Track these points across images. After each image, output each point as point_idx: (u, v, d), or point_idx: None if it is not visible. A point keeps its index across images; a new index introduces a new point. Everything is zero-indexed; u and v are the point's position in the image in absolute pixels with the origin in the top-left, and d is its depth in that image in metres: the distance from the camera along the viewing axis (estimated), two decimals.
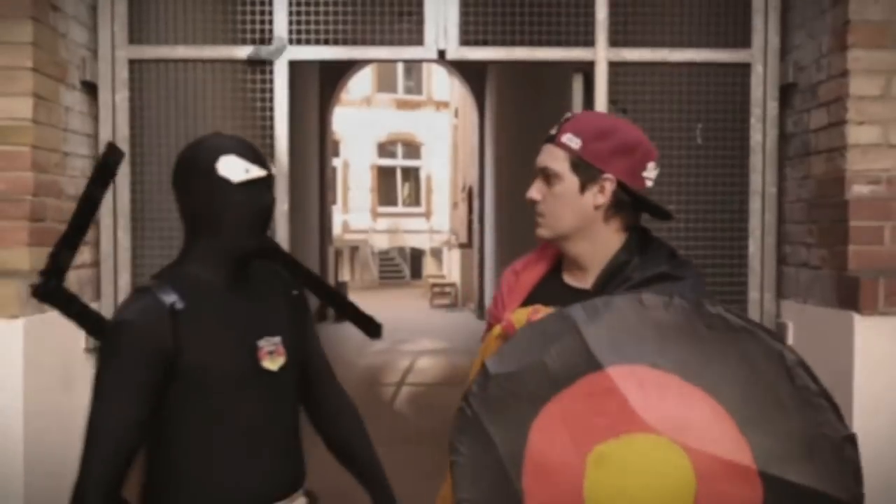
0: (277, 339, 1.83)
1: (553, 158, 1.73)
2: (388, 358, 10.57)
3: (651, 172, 1.74)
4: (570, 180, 1.71)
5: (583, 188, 1.71)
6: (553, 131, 1.76)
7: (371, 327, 2.13)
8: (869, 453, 2.73)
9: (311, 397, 2.03)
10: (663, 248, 1.78)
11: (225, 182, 1.72)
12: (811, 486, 1.42)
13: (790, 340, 3.22)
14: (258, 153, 1.80)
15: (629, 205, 1.73)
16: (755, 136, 3.38)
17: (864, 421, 2.76)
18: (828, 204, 3.00)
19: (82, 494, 1.67)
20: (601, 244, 1.74)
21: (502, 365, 1.55)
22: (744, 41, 3.38)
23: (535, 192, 1.76)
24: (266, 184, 1.78)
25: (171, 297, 1.69)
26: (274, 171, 1.82)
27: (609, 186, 1.70)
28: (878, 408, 2.77)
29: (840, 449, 1.42)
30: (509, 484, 1.54)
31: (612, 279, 1.71)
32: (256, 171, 1.75)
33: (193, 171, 1.75)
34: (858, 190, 2.87)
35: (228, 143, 1.77)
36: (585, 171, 1.70)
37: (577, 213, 1.72)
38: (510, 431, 1.54)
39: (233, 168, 1.73)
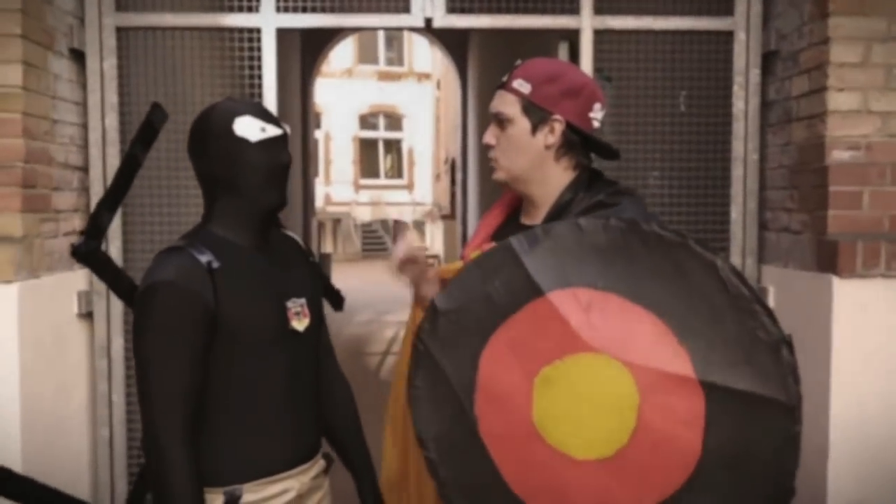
0: (303, 300, 1.85)
1: (505, 103, 1.84)
2: (372, 328, 10.62)
3: (597, 113, 1.85)
4: (522, 123, 1.82)
5: (534, 130, 1.82)
6: (504, 78, 1.86)
7: (336, 300, 2.16)
8: (847, 411, 2.83)
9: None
10: (608, 183, 1.87)
11: (243, 142, 1.74)
12: (751, 390, 1.48)
13: (771, 304, 3.29)
14: (271, 113, 1.82)
15: (578, 144, 1.84)
16: (737, 104, 3.42)
17: (842, 380, 2.84)
18: (808, 170, 3.06)
19: (162, 448, 1.64)
20: (552, 182, 1.85)
21: (450, 301, 1.63)
22: (727, 9, 3.41)
23: (490, 136, 1.88)
24: (282, 141, 1.80)
25: (206, 256, 1.70)
26: (288, 129, 1.83)
27: (558, 127, 1.81)
28: (856, 367, 2.85)
29: (776, 351, 1.48)
30: (464, 413, 1.61)
31: (560, 215, 1.80)
32: (272, 130, 1.78)
33: (210, 134, 1.76)
34: (838, 155, 2.93)
35: (242, 105, 1.79)
36: (536, 113, 1.81)
37: (530, 154, 1.83)
38: (461, 363, 1.61)
39: (249, 128, 1.75)
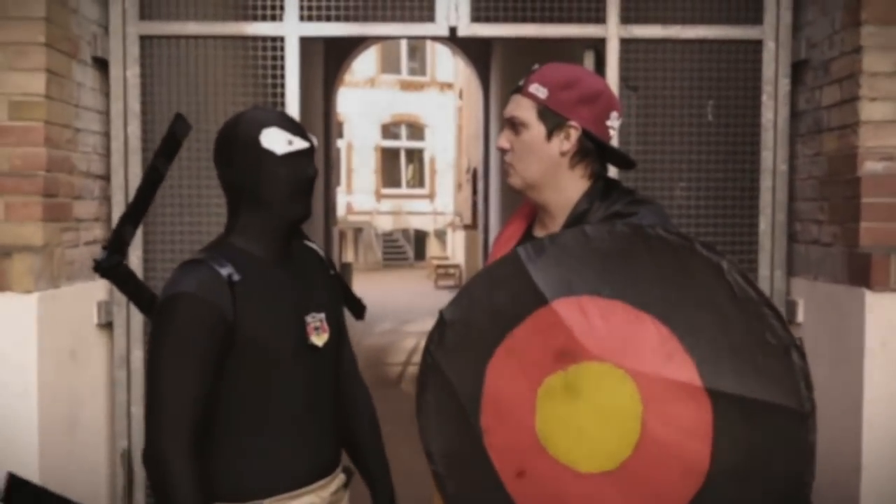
0: (322, 315, 1.83)
1: (520, 108, 1.80)
2: (393, 338, 10.60)
3: (614, 122, 1.82)
4: (537, 128, 1.78)
5: (549, 135, 1.78)
6: (521, 82, 1.82)
7: (357, 308, 2.13)
8: (880, 427, 2.76)
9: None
10: (624, 191, 1.83)
11: (269, 154, 1.72)
12: (760, 397, 1.42)
13: (800, 317, 3.22)
14: (298, 125, 1.80)
15: (594, 152, 1.81)
16: (766, 114, 3.36)
17: (875, 397, 2.77)
18: (840, 181, 2.99)
19: (166, 458, 1.61)
20: (567, 190, 1.81)
21: (456, 312, 1.62)
22: (756, 18, 3.36)
23: (504, 140, 1.84)
24: (308, 155, 1.78)
25: (226, 269, 1.68)
26: (315, 142, 1.81)
27: (574, 133, 1.77)
28: (890, 382, 2.77)
29: (786, 356, 1.41)
30: (470, 426, 1.58)
31: (576, 226, 1.75)
32: (299, 143, 1.75)
33: (236, 144, 1.74)
34: (871, 166, 2.86)
35: (269, 115, 1.77)
36: (552, 119, 1.78)
37: (544, 160, 1.79)
38: (468, 374, 1.59)
39: (276, 140, 1.73)
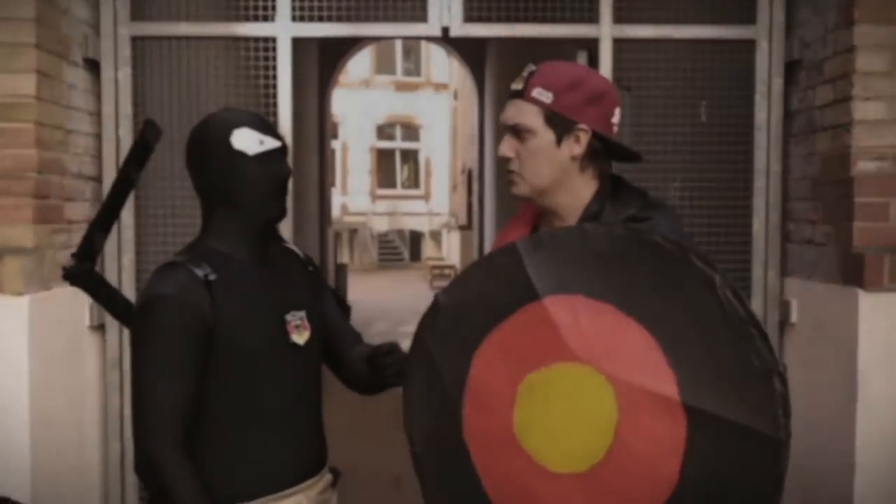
0: (302, 313, 1.82)
1: (525, 114, 1.72)
2: (388, 339, 10.57)
3: (616, 118, 1.77)
4: (545, 134, 1.71)
5: (559, 141, 1.72)
6: (519, 86, 1.74)
7: (342, 310, 2.11)
8: (874, 427, 2.75)
9: (345, 363, 2.00)
10: (635, 192, 1.79)
11: (241, 155, 1.72)
12: (736, 420, 1.39)
13: (794, 317, 3.22)
14: (269, 124, 1.79)
15: (602, 152, 1.75)
16: (760, 114, 3.36)
17: (869, 396, 2.77)
18: (833, 180, 2.99)
19: (160, 461, 1.60)
20: (577, 193, 1.76)
21: (451, 297, 1.62)
22: (749, 17, 3.35)
23: (508, 149, 1.75)
24: (281, 154, 1.77)
25: (203, 270, 1.68)
26: (286, 141, 1.80)
27: (584, 137, 1.72)
28: (883, 383, 2.77)
29: (768, 381, 1.39)
30: (452, 412, 1.59)
31: None
32: (271, 143, 1.75)
33: (207, 147, 1.74)
34: (864, 166, 2.86)
35: (240, 116, 1.76)
36: (560, 123, 1.71)
37: (555, 166, 1.73)
38: (455, 361, 1.60)
39: (247, 141, 1.72)
